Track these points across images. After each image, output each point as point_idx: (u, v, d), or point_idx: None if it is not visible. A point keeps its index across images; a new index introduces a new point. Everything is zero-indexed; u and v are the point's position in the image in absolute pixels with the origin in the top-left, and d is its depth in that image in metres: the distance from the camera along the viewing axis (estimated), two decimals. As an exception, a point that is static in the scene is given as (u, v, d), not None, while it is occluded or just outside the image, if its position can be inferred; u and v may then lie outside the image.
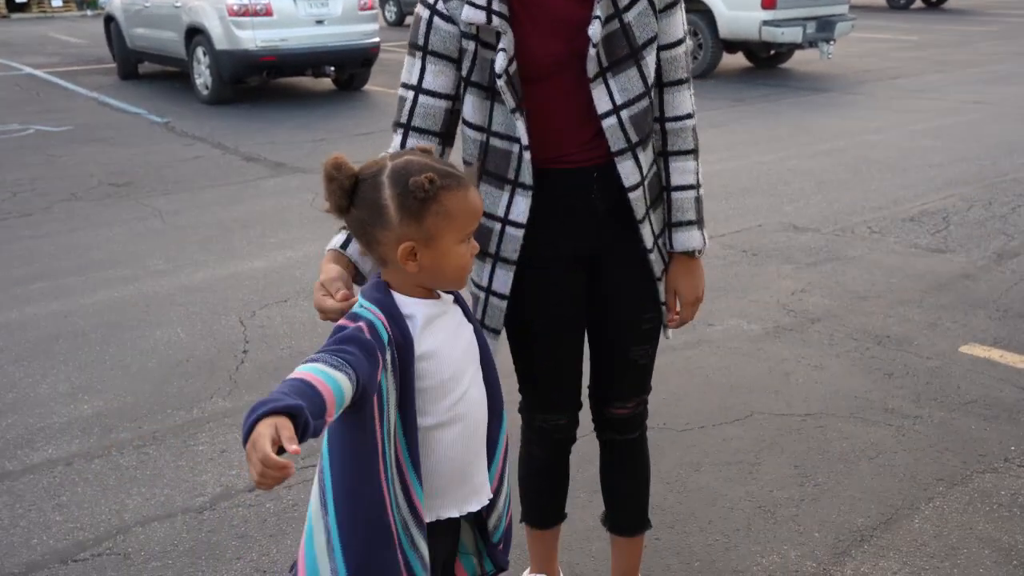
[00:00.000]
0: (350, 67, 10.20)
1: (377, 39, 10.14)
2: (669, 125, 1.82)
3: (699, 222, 1.86)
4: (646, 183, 1.81)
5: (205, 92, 9.80)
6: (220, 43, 9.32)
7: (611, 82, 1.71)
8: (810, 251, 4.93)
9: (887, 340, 3.77)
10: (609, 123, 1.73)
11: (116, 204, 6.15)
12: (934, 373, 3.46)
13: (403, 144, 1.77)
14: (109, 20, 11.70)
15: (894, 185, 6.23)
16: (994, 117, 8.58)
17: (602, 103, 1.72)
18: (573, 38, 1.69)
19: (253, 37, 9.23)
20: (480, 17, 1.65)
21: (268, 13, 9.24)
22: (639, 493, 2.16)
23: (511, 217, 1.78)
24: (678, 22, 1.77)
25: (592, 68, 1.69)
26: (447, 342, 1.50)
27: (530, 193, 1.76)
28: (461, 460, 1.53)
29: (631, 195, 1.78)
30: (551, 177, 1.78)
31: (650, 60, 1.73)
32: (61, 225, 5.68)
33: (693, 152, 1.84)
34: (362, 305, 1.43)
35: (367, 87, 10.82)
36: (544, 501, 2.18)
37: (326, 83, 11.14)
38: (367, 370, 1.32)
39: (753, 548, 2.48)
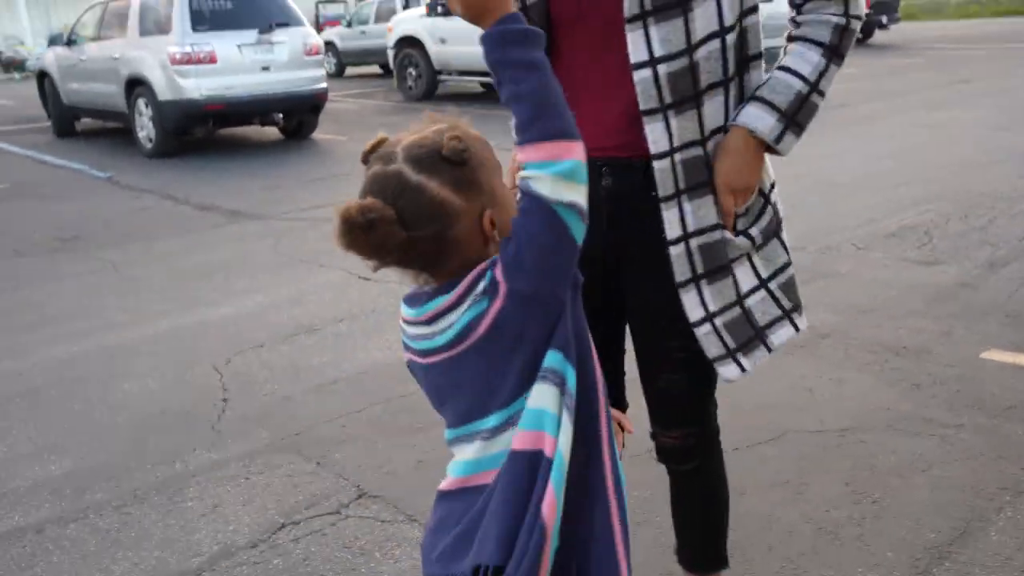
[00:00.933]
0: (298, 114, 9.96)
1: (325, 85, 9.93)
2: (803, 18, 1.60)
3: (783, 114, 1.57)
4: (678, 157, 1.56)
5: (148, 145, 9.46)
6: (163, 94, 9.02)
7: (652, 29, 1.50)
8: (801, 268, 4.73)
9: (904, 351, 3.62)
10: (642, 75, 1.52)
11: (64, 258, 5.78)
12: (962, 380, 3.31)
13: None
14: (42, 76, 11.31)
15: (865, 205, 6.17)
16: (942, 139, 8.67)
17: (638, 51, 1.52)
18: None
19: (198, 86, 8.94)
20: None
21: (212, 61, 8.98)
22: (706, 528, 1.94)
23: None
24: None
25: (631, 6, 1.49)
26: None
27: None
28: None
29: (656, 164, 1.56)
30: None
31: (701, 12, 1.50)
32: (5, 283, 5.30)
33: (825, 47, 1.57)
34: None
35: (315, 135, 10.58)
36: None
37: (273, 133, 10.86)
38: None
39: (825, 572, 2.25)
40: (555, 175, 1.10)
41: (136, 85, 9.35)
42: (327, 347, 4.00)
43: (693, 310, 1.63)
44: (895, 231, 5.45)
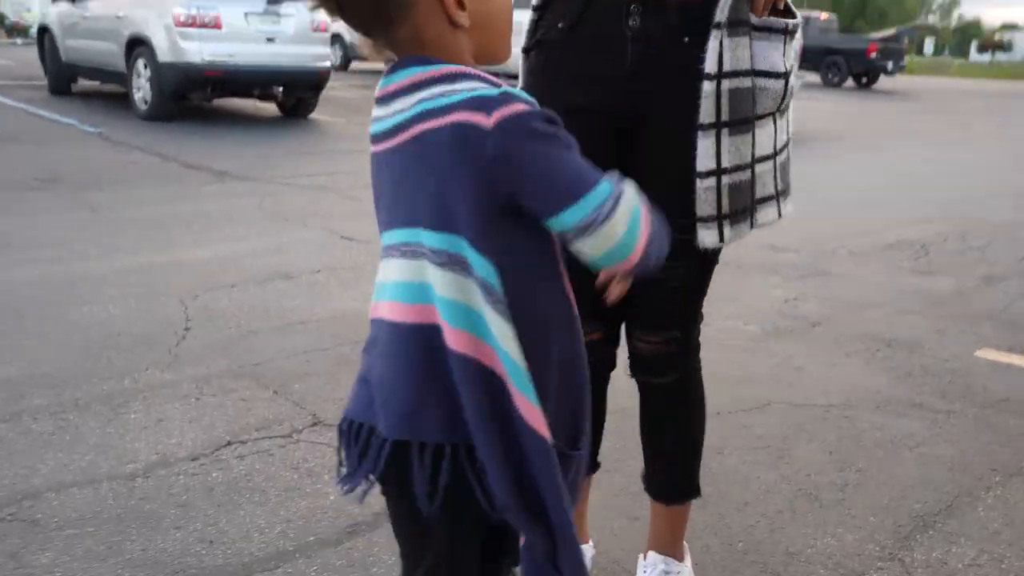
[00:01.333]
0: (299, 90, 9.80)
1: (328, 63, 9.80)
2: None
3: None
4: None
5: (144, 107, 9.26)
6: (164, 55, 8.83)
7: None
8: (795, 267, 4.67)
9: (896, 343, 3.49)
10: None
11: (42, 196, 5.60)
12: (955, 373, 3.18)
13: None
14: (43, 32, 11.13)
15: (862, 219, 6.07)
16: (941, 172, 8.61)
17: None
18: None
19: (200, 50, 8.77)
20: None
21: (217, 26, 8.82)
22: (683, 453, 1.79)
23: None
24: None
25: None
26: None
27: None
28: None
29: None
30: None
31: None
32: (-23, 211, 5.12)
33: None
34: (474, 78, 1.02)
35: (313, 115, 10.42)
36: None
37: (271, 109, 10.71)
38: None
39: (803, 530, 2.10)
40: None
41: (137, 45, 9.17)
42: (301, 292, 3.84)
43: (705, 159, 1.48)
44: (892, 243, 5.35)
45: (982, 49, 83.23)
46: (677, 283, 1.57)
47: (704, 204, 1.49)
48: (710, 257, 1.58)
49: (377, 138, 1.07)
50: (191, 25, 8.72)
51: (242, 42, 8.95)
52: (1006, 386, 3.07)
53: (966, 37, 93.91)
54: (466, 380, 1.02)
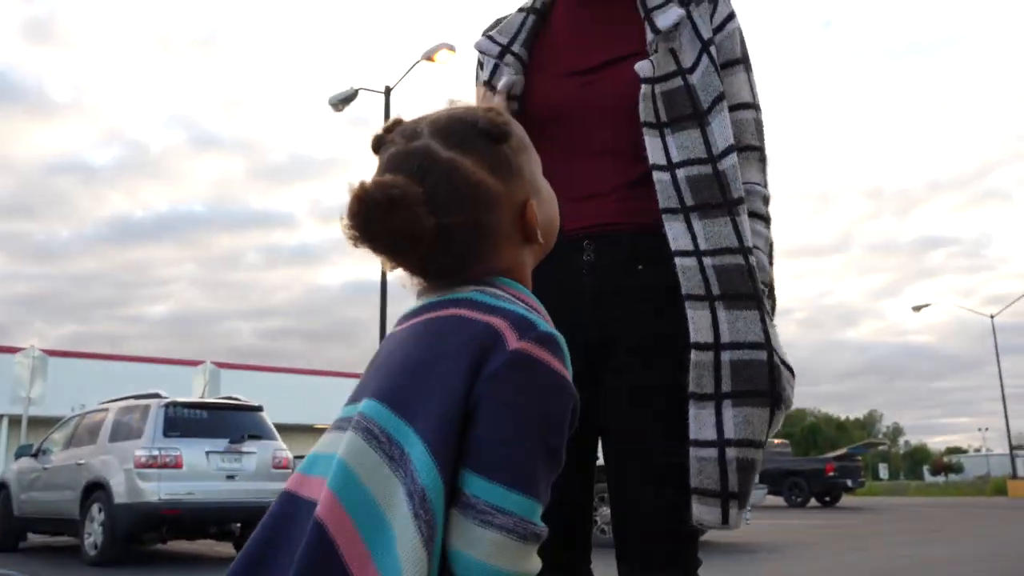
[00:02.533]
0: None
1: (289, 500, 9.67)
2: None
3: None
4: (708, 261, 1.42)
5: (92, 552, 8.86)
6: (120, 497, 8.67)
7: (669, 138, 1.50)
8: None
9: None
10: (661, 178, 1.48)
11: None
12: None
13: None
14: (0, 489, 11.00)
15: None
16: (928, 565, 8.36)
17: (656, 154, 1.49)
18: (589, 81, 1.55)
19: (157, 489, 8.64)
20: (493, 49, 1.60)
21: (178, 465, 8.80)
22: None
23: None
24: (743, 83, 1.57)
25: (647, 113, 1.49)
26: None
27: None
28: None
29: (679, 261, 1.44)
30: None
31: (718, 124, 1.50)
32: None
33: (761, 218, 1.54)
34: (532, 308, 0.99)
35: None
36: None
37: (227, 551, 10.34)
38: None
39: None
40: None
41: (95, 490, 9.04)
42: None
43: (702, 428, 1.39)
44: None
45: (935, 472, 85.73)
46: (667, 511, 1.42)
47: (704, 477, 1.39)
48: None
49: (401, 319, 1.03)
50: (151, 466, 8.71)
51: (201, 480, 8.90)
52: None
53: (916, 462, 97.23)
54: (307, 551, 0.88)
